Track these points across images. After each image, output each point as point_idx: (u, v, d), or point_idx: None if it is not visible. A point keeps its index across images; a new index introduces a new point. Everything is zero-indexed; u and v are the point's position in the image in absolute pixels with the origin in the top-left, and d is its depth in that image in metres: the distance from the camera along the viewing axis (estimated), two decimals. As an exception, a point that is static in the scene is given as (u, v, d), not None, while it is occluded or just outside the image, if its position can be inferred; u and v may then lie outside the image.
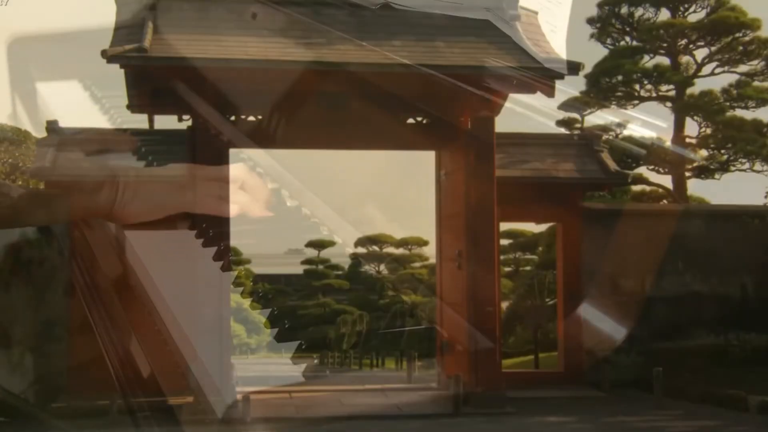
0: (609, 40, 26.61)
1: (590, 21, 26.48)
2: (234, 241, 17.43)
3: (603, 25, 26.44)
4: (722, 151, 25.35)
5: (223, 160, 16.06)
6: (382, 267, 46.46)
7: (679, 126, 25.82)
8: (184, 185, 1.90)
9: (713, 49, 25.40)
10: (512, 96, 16.44)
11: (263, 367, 29.48)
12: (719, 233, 18.97)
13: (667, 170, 25.77)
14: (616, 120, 26.20)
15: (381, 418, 15.04)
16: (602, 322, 17.70)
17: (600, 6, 26.27)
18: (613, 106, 25.79)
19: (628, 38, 26.62)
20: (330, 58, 15.09)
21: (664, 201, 25.77)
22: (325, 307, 44.01)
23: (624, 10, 26.22)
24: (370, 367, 33.29)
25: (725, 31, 24.88)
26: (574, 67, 15.69)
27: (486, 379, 15.79)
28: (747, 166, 25.13)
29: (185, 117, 16.63)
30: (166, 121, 17.91)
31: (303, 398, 17.33)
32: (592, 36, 26.59)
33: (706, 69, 25.83)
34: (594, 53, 28.46)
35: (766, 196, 21.88)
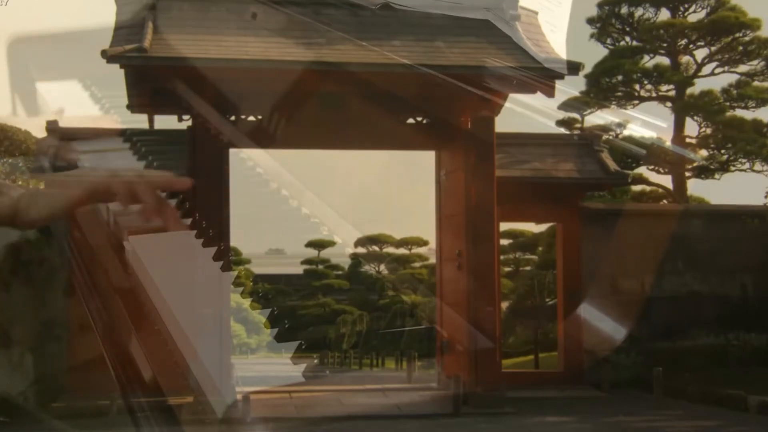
0: (609, 40, 26.61)
1: (590, 21, 26.49)
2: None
3: (603, 25, 26.44)
4: (722, 151, 25.34)
5: (223, 160, 16.08)
6: (382, 267, 46.45)
7: (679, 126, 25.82)
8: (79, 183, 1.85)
9: (713, 49, 25.39)
10: (512, 96, 16.45)
11: (263, 367, 29.47)
12: (719, 233, 18.96)
13: (667, 170, 25.77)
14: (616, 120, 26.22)
15: (381, 418, 15.04)
16: (602, 322, 17.70)
17: (600, 6, 26.27)
18: (613, 106, 25.79)
19: (628, 38, 26.63)
20: (330, 58, 15.09)
21: (664, 201, 25.77)
22: (325, 307, 43.99)
23: (624, 10, 26.22)
24: (370, 367, 33.28)
25: (725, 31, 24.88)
26: (574, 67, 15.70)
27: (486, 379, 15.79)
28: (747, 166, 25.12)
29: (185, 117, 16.64)
30: (166, 121, 17.93)
31: (303, 398, 17.33)
32: (592, 36, 26.60)
33: (706, 69, 25.84)
34: (594, 53, 28.48)
35: (766, 196, 21.87)
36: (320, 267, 49.34)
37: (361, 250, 47.21)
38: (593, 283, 18.01)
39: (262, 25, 15.41)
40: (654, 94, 25.85)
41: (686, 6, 25.84)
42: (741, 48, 25.05)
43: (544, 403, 16.10)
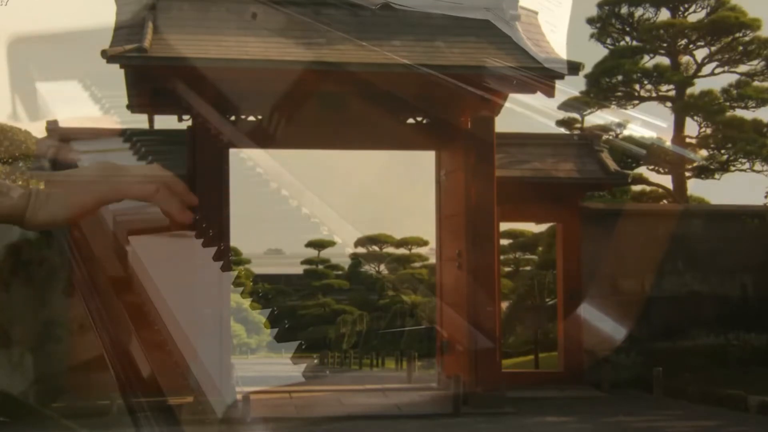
0: (609, 40, 26.62)
1: (590, 21, 26.49)
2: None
3: (603, 25, 26.44)
4: (722, 151, 25.35)
5: (223, 160, 16.08)
6: (382, 267, 46.45)
7: (679, 126, 25.82)
8: (97, 182, 1.82)
9: (713, 49, 25.40)
10: (512, 96, 16.44)
11: (263, 367, 29.48)
12: (719, 233, 18.96)
13: (667, 170, 25.77)
14: (616, 120, 26.23)
15: (381, 418, 15.04)
16: (602, 322, 17.70)
17: (600, 6, 26.28)
18: (613, 106, 25.79)
19: (628, 38, 26.63)
20: (330, 58, 15.09)
21: (664, 201, 25.77)
22: (325, 307, 43.99)
23: (624, 10, 26.23)
24: (370, 367, 33.28)
25: (725, 31, 24.88)
26: (574, 67, 15.69)
27: (486, 379, 15.79)
28: (747, 166, 25.13)
29: (185, 117, 16.64)
30: (166, 121, 17.94)
31: (303, 398, 17.33)
32: (592, 36, 26.61)
33: (706, 69, 25.84)
34: (594, 53, 28.47)
35: (766, 196, 21.85)
36: (320, 267, 49.35)
37: (361, 250, 47.24)
38: (593, 283, 18.01)
39: (262, 25, 15.40)
40: (654, 94, 25.85)
41: (686, 6, 25.84)
42: (741, 48, 25.05)
43: (544, 403, 16.10)
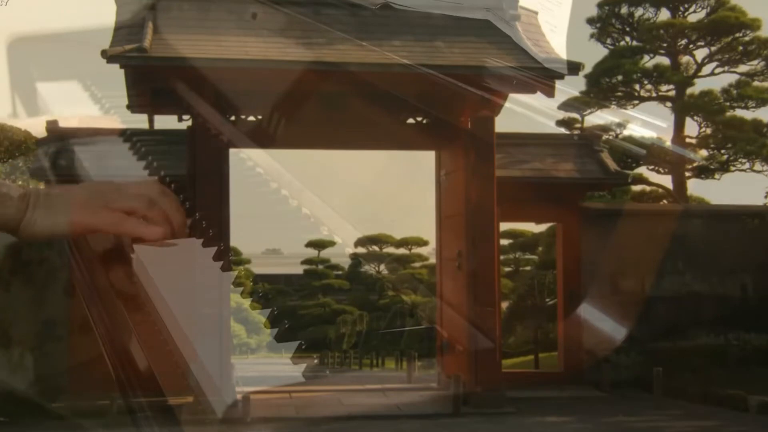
0: (609, 40, 26.63)
1: (590, 21, 26.51)
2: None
3: (603, 25, 26.46)
4: (722, 151, 25.36)
5: (223, 160, 16.08)
6: (382, 267, 46.42)
7: (679, 126, 25.83)
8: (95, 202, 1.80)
9: (713, 49, 25.42)
10: (512, 96, 16.45)
11: (263, 367, 29.47)
12: (719, 233, 18.96)
13: (667, 170, 25.78)
14: (616, 120, 26.25)
15: (381, 418, 15.05)
16: (602, 322, 17.70)
17: (600, 6, 26.29)
18: (613, 106, 25.81)
19: (628, 38, 26.65)
20: (330, 58, 15.09)
21: (664, 201, 25.78)
22: (325, 307, 43.97)
23: (624, 10, 26.25)
24: (370, 367, 33.28)
25: (725, 31, 24.89)
26: (574, 67, 15.70)
27: (486, 379, 15.80)
28: (747, 166, 25.15)
29: (185, 117, 16.65)
30: (166, 121, 17.94)
31: (303, 398, 17.34)
32: (592, 36, 26.62)
33: (706, 69, 25.87)
34: (594, 53, 28.45)
35: (766, 196, 21.88)
36: (320, 267, 49.31)
37: (361, 250, 47.19)
38: (593, 283, 18.01)
39: (262, 25, 15.41)
40: (654, 94, 25.86)
41: (686, 6, 25.86)
42: (741, 48, 25.07)
43: (544, 403, 16.10)
